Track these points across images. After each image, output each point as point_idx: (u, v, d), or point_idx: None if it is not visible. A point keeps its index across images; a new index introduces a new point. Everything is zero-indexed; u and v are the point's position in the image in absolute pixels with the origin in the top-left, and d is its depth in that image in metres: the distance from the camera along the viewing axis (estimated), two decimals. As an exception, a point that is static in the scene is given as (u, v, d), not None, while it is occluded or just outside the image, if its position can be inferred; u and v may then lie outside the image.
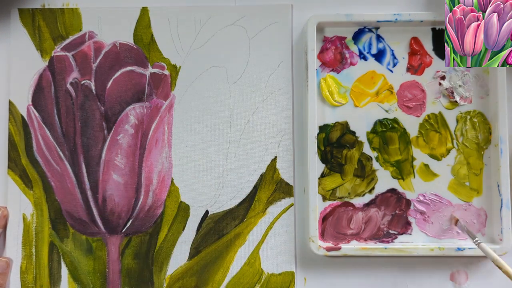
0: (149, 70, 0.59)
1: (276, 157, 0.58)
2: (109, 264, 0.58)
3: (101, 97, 0.58)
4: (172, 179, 0.58)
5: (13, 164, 0.58)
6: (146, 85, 0.58)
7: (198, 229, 0.58)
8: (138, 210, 0.58)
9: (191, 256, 0.58)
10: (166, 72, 0.59)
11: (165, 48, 0.59)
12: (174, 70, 0.59)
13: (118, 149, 0.58)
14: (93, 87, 0.58)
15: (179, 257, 0.58)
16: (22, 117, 0.58)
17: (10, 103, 0.59)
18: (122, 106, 0.58)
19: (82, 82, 0.58)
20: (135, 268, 0.58)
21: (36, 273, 0.58)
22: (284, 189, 0.58)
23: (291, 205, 0.58)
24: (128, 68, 0.58)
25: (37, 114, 0.58)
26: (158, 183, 0.58)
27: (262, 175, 0.58)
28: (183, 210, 0.58)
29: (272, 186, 0.58)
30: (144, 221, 0.58)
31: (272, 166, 0.58)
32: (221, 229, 0.58)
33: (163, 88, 0.59)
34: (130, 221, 0.58)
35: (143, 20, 0.59)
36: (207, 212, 0.58)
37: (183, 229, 0.58)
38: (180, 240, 0.58)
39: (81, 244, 0.58)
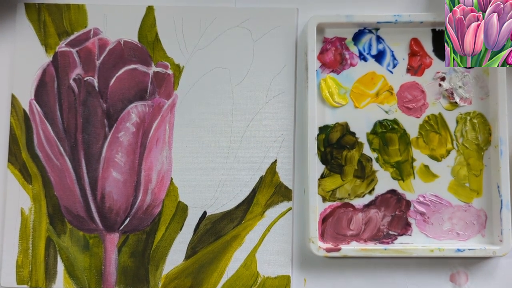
0: (153, 69, 0.59)
1: (276, 160, 0.58)
2: (105, 261, 0.57)
3: (103, 94, 0.58)
4: (172, 179, 0.58)
5: (13, 158, 0.58)
6: (149, 84, 0.59)
7: (195, 230, 0.58)
8: (136, 208, 0.58)
9: (187, 256, 0.57)
10: (170, 72, 0.59)
11: (169, 47, 0.59)
12: (178, 69, 0.59)
13: (118, 146, 0.58)
14: (96, 84, 0.58)
15: (175, 257, 0.57)
16: (24, 111, 0.59)
17: (13, 96, 0.59)
18: (124, 104, 0.58)
19: (85, 79, 0.59)
20: (131, 266, 0.57)
21: (32, 267, 0.57)
22: (283, 193, 0.58)
23: (289, 209, 0.58)
24: (132, 66, 0.59)
25: (39, 109, 0.59)
26: (157, 182, 0.58)
27: (261, 178, 0.58)
28: (181, 210, 0.58)
29: (271, 189, 0.58)
30: (141, 220, 0.58)
31: (272, 169, 0.58)
32: (218, 231, 0.58)
33: (165, 88, 0.59)
34: (128, 219, 0.58)
35: (149, 18, 0.60)
36: (205, 213, 0.58)
37: (181, 229, 0.58)
38: (177, 240, 0.58)
39: (78, 240, 0.57)
